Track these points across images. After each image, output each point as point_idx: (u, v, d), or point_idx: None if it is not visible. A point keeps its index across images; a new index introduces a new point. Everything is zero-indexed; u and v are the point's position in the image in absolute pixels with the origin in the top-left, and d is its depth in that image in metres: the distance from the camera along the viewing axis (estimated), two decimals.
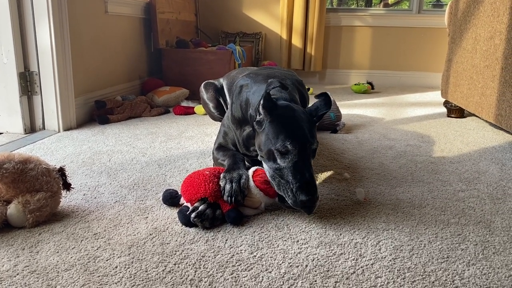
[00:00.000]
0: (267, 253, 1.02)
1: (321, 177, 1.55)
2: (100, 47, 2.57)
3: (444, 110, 2.76)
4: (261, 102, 1.22)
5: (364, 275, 0.94)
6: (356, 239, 1.10)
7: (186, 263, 0.97)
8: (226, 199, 1.18)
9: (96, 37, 2.51)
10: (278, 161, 1.18)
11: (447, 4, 2.71)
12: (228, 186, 1.19)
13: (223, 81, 2.01)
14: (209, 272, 0.94)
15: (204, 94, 2.03)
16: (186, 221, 1.16)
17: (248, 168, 1.32)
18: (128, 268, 0.95)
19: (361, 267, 0.97)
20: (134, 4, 2.94)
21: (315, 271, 0.96)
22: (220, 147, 1.55)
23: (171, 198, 1.27)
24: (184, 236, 1.10)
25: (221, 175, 1.24)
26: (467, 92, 2.26)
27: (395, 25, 4.07)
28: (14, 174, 1.13)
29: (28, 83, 2.09)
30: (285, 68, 3.96)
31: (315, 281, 0.92)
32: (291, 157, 1.16)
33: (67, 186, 1.24)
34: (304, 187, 1.12)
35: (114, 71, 2.76)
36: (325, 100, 1.30)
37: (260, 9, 4.11)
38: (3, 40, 2.00)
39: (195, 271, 0.94)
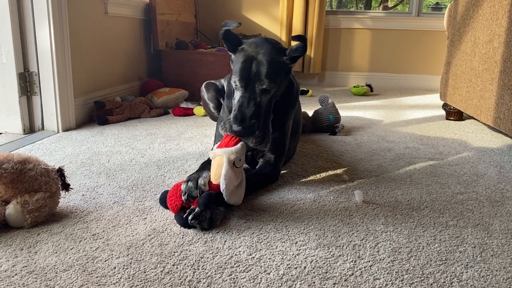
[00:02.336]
0: (265, 254, 1.03)
1: (320, 178, 1.55)
2: (100, 48, 2.57)
3: (443, 112, 2.76)
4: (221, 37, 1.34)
5: (363, 277, 0.94)
6: (354, 241, 1.10)
7: (185, 264, 0.97)
8: (183, 199, 1.17)
9: (96, 38, 2.52)
10: (234, 94, 1.31)
11: (446, 7, 2.72)
12: (183, 186, 1.19)
13: (224, 82, 2.01)
14: (207, 273, 0.94)
15: (205, 94, 2.03)
16: (184, 223, 1.15)
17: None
18: (127, 268, 0.95)
19: (360, 269, 0.97)
20: (134, 5, 2.94)
21: (314, 272, 0.96)
22: None
23: (164, 203, 1.27)
24: (182, 237, 1.10)
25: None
26: (466, 95, 2.27)
27: (394, 28, 4.08)
28: (13, 174, 1.13)
29: (27, 84, 2.09)
30: None
31: (314, 283, 0.92)
32: (238, 92, 1.30)
33: (66, 187, 1.24)
34: (237, 117, 1.24)
35: (114, 72, 2.76)
36: (303, 43, 1.33)
37: (259, 11, 4.12)
38: (3, 41, 2.00)
39: (194, 272, 0.94)
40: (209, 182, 1.22)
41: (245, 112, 1.25)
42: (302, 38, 1.32)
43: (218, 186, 1.20)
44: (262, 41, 1.37)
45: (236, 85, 1.31)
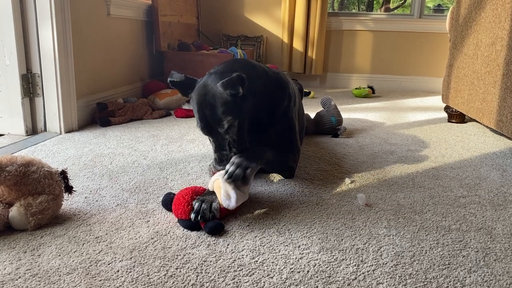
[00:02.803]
0: (268, 258, 1.03)
1: (322, 181, 1.55)
2: (102, 50, 2.57)
3: (445, 115, 2.76)
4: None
5: (366, 281, 0.94)
6: (357, 245, 1.10)
7: (188, 268, 0.98)
8: (191, 217, 1.16)
9: (98, 39, 2.52)
10: None
11: (448, 9, 2.72)
12: (196, 204, 1.18)
13: None
14: (210, 277, 0.94)
15: None
16: (187, 225, 1.16)
17: None
18: (130, 272, 0.95)
19: (363, 273, 0.97)
20: (136, 6, 2.94)
21: (317, 276, 0.96)
22: None
23: (167, 206, 1.27)
24: (185, 241, 1.10)
25: (197, 197, 1.23)
26: (468, 98, 2.26)
27: (396, 30, 4.07)
28: (16, 177, 1.14)
29: (30, 85, 2.10)
30: (285, 71, 3.97)
31: (317, 287, 0.92)
32: (208, 137, 1.37)
33: (69, 189, 1.24)
34: (217, 159, 1.34)
35: (116, 74, 2.76)
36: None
37: (261, 12, 4.12)
38: (5, 42, 2.01)
39: (197, 276, 0.95)
40: (220, 206, 1.22)
41: (222, 154, 1.34)
42: (229, 85, 1.27)
43: (226, 209, 1.21)
44: (206, 81, 1.34)
45: (203, 134, 1.36)
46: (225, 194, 1.20)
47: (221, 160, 1.33)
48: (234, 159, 1.29)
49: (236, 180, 1.22)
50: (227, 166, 1.26)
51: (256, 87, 1.42)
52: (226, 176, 1.22)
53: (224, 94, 1.28)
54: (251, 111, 1.40)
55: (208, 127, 1.32)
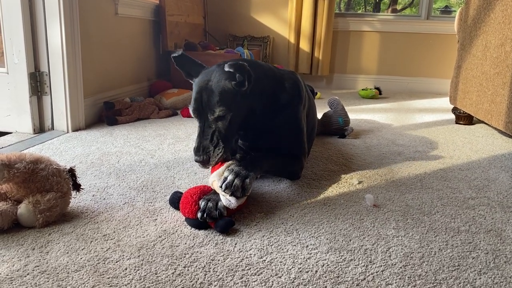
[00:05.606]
0: (276, 257, 1.02)
1: (330, 182, 1.54)
2: (110, 49, 2.58)
3: (453, 116, 2.75)
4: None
5: (375, 282, 0.94)
6: (366, 245, 1.09)
7: (196, 266, 0.97)
8: (198, 216, 1.15)
9: (106, 38, 2.53)
10: None
11: (455, 11, 2.70)
12: (203, 203, 1.17)
13: None
14: (218, 276, 0.94)
15: None
16: (195, 224, 1.16)
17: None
18: (138, 270, 0.95)
19: (371, 274, 0.97)
20: (143, 6, 2.95)
21: (325, 276, 0.95)
22: None
23: (174, 204, 1.27)
24: (193, 239, 1.10)
25: (203, 197, 1.22)
26: (476, 99, 2.25)
27: (404, 31, 4.06)
28: (25, 174, 1.14)
29: (38, 84, 2.11)
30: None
31: (326, 287, 0.91)
32: (197, 122, 1.34)
33: (77, 187, 1.24)
34: (195, 150, 1.30)
35: (123, 73, 2.77)
36: (240, 72, 1.30)
37: (268, 13, 4.12)
38: (14, 40, 2.02)
39: (205, 275, 0.94)
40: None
41: (201, 142, 1.30)
42: (238, 68, 1.28)
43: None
44: (213, 69, 1.37)
45: (193, 116, 1.34)
46: (224, 199, 1.19)
47: (197, 150, 1.29)
48: (233, 166, 1.26)
49: (235, 192, 1.18)
50: (225, 173, 1.23)
51: (262, 86, 1.42)
52: (223, 185, 1.19)
53: (228, 84, 1.29)
54: (256, 111, 1.41)
55: (199, 110, 1.31)
